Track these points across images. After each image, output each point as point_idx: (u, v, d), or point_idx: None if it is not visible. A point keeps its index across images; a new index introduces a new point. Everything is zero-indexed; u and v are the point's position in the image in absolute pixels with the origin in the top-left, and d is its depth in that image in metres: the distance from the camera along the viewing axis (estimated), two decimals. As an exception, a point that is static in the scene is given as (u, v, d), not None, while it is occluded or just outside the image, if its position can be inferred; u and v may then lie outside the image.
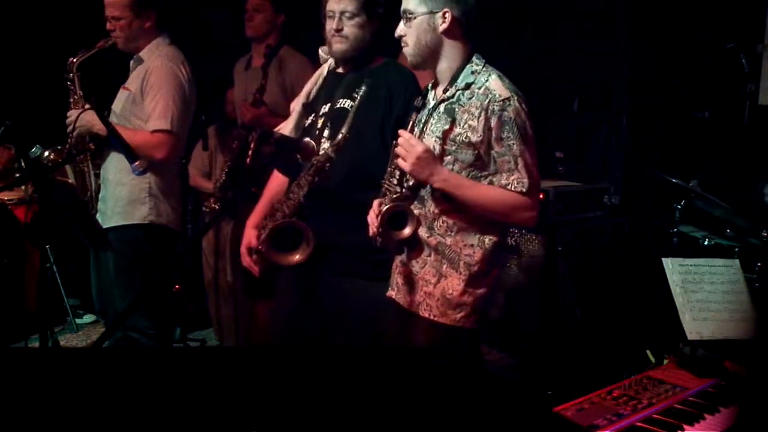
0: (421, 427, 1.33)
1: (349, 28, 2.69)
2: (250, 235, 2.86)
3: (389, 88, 2.70)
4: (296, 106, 2.92)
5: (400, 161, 2.36)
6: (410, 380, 1.45)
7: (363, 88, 2.57)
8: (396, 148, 2.36)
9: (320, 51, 2.90)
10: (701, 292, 2.20)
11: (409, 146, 2.33)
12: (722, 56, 3.83)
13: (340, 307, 2.78)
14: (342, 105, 2.74)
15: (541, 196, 3.74)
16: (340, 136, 2.58)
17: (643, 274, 3.50)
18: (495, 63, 2.44)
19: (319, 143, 2.74)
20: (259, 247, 2.74)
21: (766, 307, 1.37)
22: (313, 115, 2.85)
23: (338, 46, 2.73)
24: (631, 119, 4.28)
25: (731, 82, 3.85)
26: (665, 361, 2.16)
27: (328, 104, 2.79)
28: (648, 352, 2.30)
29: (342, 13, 2.68)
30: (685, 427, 1.75)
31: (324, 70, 2.90)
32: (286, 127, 2.90)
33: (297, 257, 2.64)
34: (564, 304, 3.71)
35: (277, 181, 2.97)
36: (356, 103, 2.57)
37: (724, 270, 2.25)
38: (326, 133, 2.73)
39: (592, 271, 3.87)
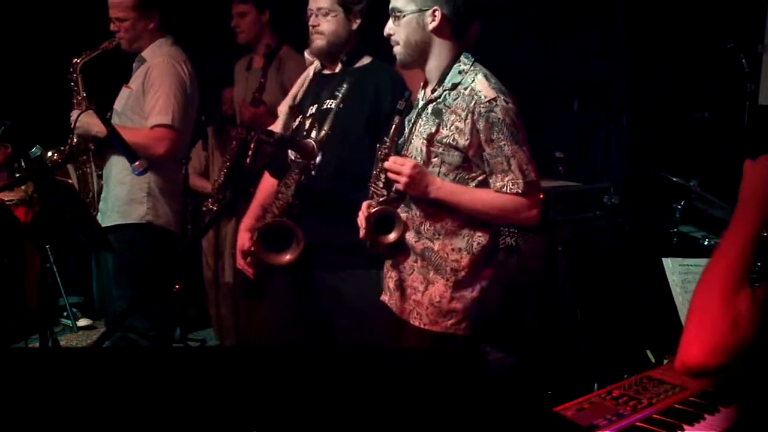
0: (422, 426, 1.33)
1: (324, 24, 2.74)
2: (243, 238, 2.89)
3: (376, 87, 2.72)
4: (283, 108, 2.93)
5: (395, 183, 2.36)
6: (411, 380, 1.45)
7: (344, 86, 2.59)
8: (386, 166, 2.36)
9: (306, 53, 2.92)
10: (701, 292, 2.19)
11: (397, 168, 2.32)
12: (722, 56, 3.83)
13: (334, 300, 2.79)
14: (328, 106, 2.75)
15: (541, 195, 3.75)
16: (322, 133, 2.61)
17: (643, 274, 3.49)
18: (495, 63, 2.43)
19: None
20: (251, 248, 2.76)
21: (765, 307, 1.37)
22: (300, 116, 2.86)
23: (315, 42, 2.78)
24: (631, 119, 4.28)
25: (731, 82, 3.85)
26: (665, 361, 2.15)
27: (315, 105, 2.81)
28: (648, 352, 2.29)
29: (318, 9, 2.74)
30: (685, 427, 1.74)
31: (310, 72, 2.93)
32: (273, 129, 2.91)
33: (288, 257, 2.67)
34: (564, 304, 3.71)
35: (266, 183, 2.98)
36: (338, 101, 2.59)
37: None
38: (314, 134, 2.74)
39: (592, 271, 3.86)
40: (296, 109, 2.90)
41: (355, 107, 2.67)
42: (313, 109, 2.81)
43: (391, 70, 2.77)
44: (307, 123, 2.80)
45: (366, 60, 2.81)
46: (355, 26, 2.75)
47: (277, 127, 2.91)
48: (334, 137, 2.62)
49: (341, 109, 2.61)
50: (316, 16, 2.74)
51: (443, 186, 2.33)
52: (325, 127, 2.60)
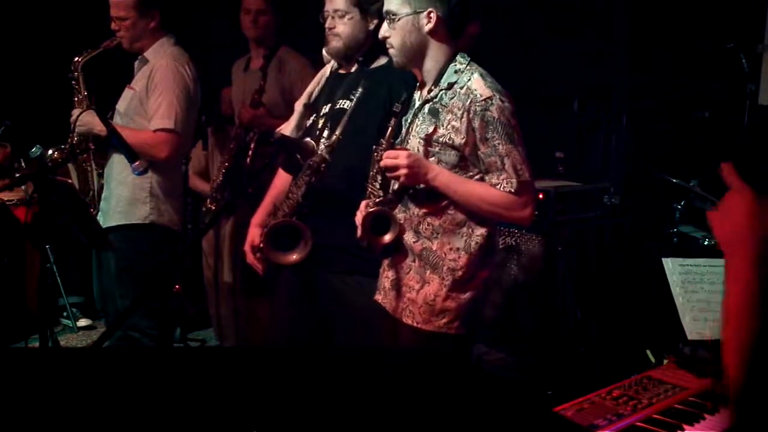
0: (422, 427, 1.33)
1: (341, 26, 2.73)
2: (253, 234, 2.87)
3: (389, 88, 2.70)
4: (298, 106, 2.94)
5: (395, 180, 2.36)
6: (410, 380, 1.45)
7: (359, 89, 2.58)
8: (382, 165, 2.36)
9: (324, 52, 2.92)
10: (701, 292, 2.20)
11: (393, 162, 2.32)
12: (722, 56, 3.83)
13: (339, 303, 2.78)
14: (342, 106, 2.75)
15: (541, 196, 3.76)
16: (333, 137, 2.60)
17: (643, 274, 3.50)
18: (495, 63, 2.43)
19: (318, 143, 2.75)
20: (261, 245, 2.76)
21: (765, 306, 1.37)
22: (314, 115, 2.86)
23: (332, 44, 2.77)
24: (631, 119, 4.28)
25: (731, 82, 3.85)
26: (665, 361, 2.15)
27: (329, 105, 2.81)
28: (648, 352, 2.29)
29: (335, 11, 2.72)
30: (685, 427, 1.75)
31: (327, 70, 2.93)
32: (287, 128, 2.93)
33: (295, 256, 2.66)
34: (564, 304, 3.71)
35: (281, 179, 2.97)
36: (353, 104, 2.58)
37: (724, 270, 2.23)
38: (326, 133, 2.74)
39: (592, 271, 3.86)
40: (311, 108, 2.90)
41: (369, 109, 2.66)
42: (326, 108, 2.81)
43: (406, 70, 2.77)
44: (320, 122, 2.80)
45: (382, 60, 2.79)
46: (371, 27, 2.73)
47: (290, 125, 2.92)
48: (345, 139, 2.62)
49: (355, 113, 2.59)
50: (333, 18, 2.73)
51: (441, 172, 2.34)
52: (337, 132, 2.59)
